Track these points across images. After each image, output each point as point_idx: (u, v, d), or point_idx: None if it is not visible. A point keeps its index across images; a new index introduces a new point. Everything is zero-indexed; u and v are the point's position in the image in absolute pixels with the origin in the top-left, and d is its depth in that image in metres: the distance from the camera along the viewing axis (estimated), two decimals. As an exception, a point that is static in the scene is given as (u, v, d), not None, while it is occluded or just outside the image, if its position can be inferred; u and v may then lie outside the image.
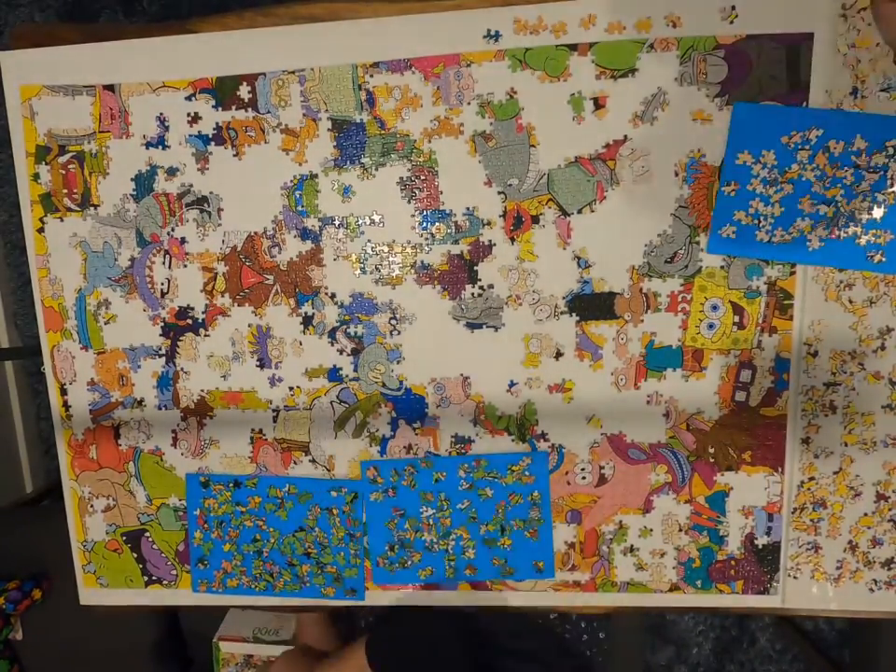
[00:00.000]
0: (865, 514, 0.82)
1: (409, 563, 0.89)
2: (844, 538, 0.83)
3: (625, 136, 0.77)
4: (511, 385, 0.84)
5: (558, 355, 0.83)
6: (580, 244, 0.80)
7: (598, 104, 0.77)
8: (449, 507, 0.87)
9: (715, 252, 0.78)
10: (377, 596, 0.91)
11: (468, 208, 0.81)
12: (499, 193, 0.80)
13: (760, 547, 0.84)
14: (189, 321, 0.87)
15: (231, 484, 0.90)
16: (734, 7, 0.72)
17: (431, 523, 0.87)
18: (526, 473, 0.85)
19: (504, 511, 0.86)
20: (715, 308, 0.80)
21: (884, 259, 0.75)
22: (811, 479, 0.82)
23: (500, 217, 0.80)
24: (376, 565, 0.90)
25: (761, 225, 0.76)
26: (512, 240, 0.81)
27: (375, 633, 0.86)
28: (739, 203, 0.76)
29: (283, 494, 0.89)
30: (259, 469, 0.90)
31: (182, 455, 0.91)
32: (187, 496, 0.91)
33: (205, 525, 0.92)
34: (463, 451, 0.86)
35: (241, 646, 1.04)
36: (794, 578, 0.84)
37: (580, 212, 0.79)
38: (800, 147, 0.73)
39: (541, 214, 0.80)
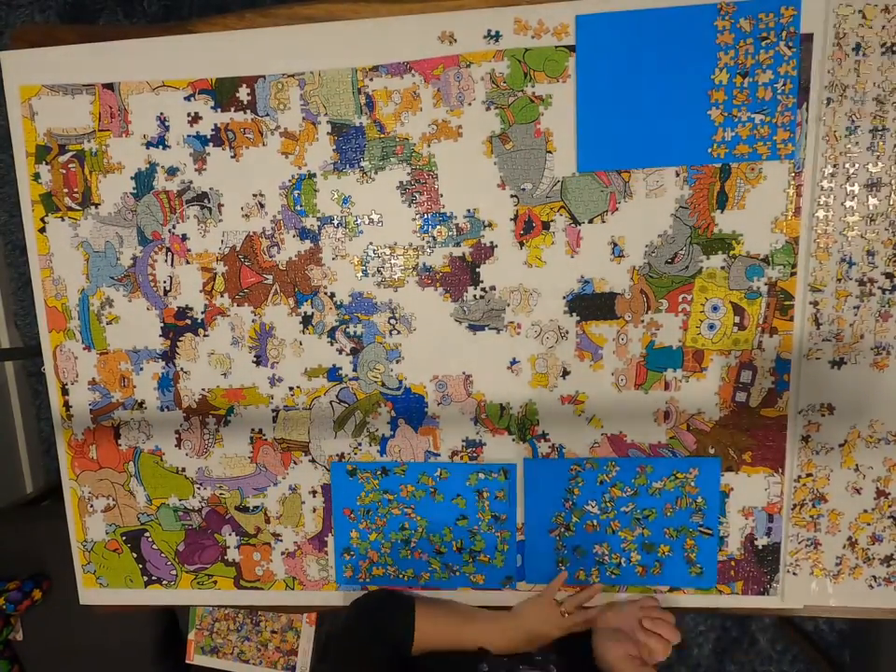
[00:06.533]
0: (865, 511, 0.82)
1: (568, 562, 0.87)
2: (843, 534, 0.83)
3: None
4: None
5: (565, 373, 0.83)
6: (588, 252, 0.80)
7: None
8: (613, 509, 0.85)
9: (586, 170, 0.78)
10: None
11: (469, 210, 0.81)
12: (512, 196, 0.80)
13: (760, 548, 0.84)
14: (189, 321, 0.87)
15: (378, 472, 0.88)
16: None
17: (596, 523, 0.86)
18: (692, 484, 0.83)
19: (667, 517, 0.85)
20: (715, 309, 0.80)
21: None
22: (808, 475, 0.82)
23: (511, 220, 0.80)
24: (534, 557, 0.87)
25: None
26: (521, 244, 0.81)
27: None
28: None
29: (434, 482, 0.87)
30: (258, 470, 0.90)
31: (186, 455, 0.91)
32: (332, 486, 0.89)
33: (352, 516, 0.90)
34: (474, 455, 0.86)
35: None
36: (794, 574, 0.84)
37: (590, 221, 0.80)
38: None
39: (552, 220, 0.80)
